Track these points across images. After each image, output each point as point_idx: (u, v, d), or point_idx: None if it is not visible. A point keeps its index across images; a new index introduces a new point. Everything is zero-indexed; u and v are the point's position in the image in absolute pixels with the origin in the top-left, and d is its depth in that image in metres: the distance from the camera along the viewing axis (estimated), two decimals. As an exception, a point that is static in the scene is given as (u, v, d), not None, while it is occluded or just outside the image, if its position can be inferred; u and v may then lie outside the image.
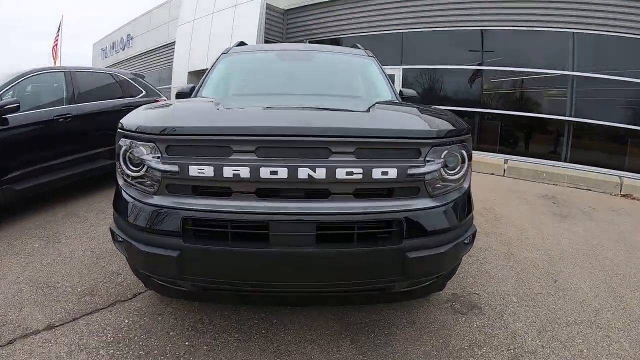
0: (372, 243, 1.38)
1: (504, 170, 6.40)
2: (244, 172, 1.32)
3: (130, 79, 4.87)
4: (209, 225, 1.37)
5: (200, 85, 2.56)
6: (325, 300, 1.72)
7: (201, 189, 1.39)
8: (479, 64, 7.22)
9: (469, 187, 1.60)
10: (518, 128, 7.17)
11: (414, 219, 1.39)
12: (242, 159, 1.33)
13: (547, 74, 6.64)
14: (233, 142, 1.34)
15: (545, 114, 6.78)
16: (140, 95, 4.74)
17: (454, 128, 1.52)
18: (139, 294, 2.26)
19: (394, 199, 1.42)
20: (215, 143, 1.36)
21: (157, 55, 12.91)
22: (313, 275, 1.39)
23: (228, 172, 1.33)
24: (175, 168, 1.36)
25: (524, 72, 6.83)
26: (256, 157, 1.33)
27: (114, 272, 2.49)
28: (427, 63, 7.65)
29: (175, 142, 1.38)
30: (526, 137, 7.18)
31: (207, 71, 2.80)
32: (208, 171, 1.33)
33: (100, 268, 2.57)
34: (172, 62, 10.83)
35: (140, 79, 5.00)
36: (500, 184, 5.75)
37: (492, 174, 6.39)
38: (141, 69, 13.16)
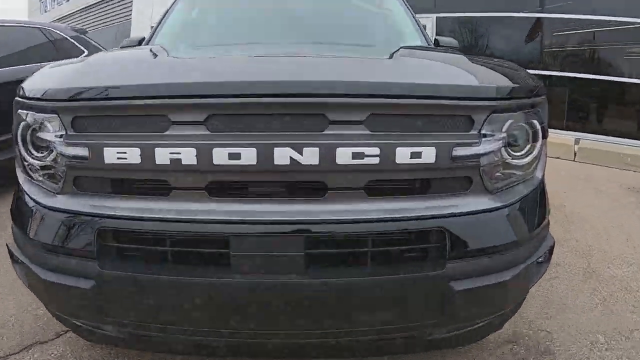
0: (394, 268, 1.25)
1: (575, 153, 6.22)
2: (188, 155, 1.19)
3: (70, 36, 4.78)
4: (137, 241, 1.26)
5: (153, 34, 2.53)
6: (322, 353, 1.57)
7: (124, 184, 1.29)
8: (539, 11, 6.98)
9: (543, 177, 1.49)
10: (592, 96, 6.95)
11: (463, 228, 1.27)
12: (185, 135, 1.20)
13: (629, 24, 6.33)
14: (170, 108, 1.20)
15: (628, 77, 6.53)
16: (82, 57, 4.54)
17: (522, 85, 1.39)
18: (65, 332, 2.09)
19: (430, 197, 1.29)
20: (143, 110, 1.23)
21: (113, 6, 12.82)
22: (300, 320, 1.28)
23: (163, 156, 1.19)
24: (84, 152, 1.24)
25: (599, 21, 6.57)
26: (207, 132, 1.20)
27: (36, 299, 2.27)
28: (468, 10, 7.43)
29: (84, 112, 1.26)
30: (602, 108, 6.96)
31: (163, 15, 2.71)
32: (132, 155, 1.20)
33: (16, 291, 2.40)
34: (131, 15, 10.68)
35: (82, 36, 4.88)
36: (570, 170, 5.53)
37: (559, 157, 6.17)
38: (93, 24, 13.07)
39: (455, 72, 1.44)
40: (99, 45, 5.20)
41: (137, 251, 1.28)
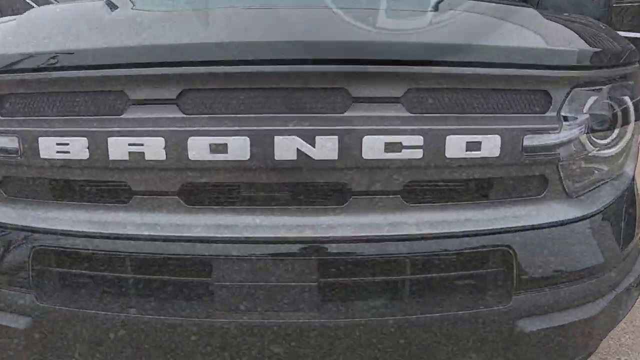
0: (441, 303, 1.23)
1: (652, 136, 6.09)
2: (154, 147, 1.16)
3: (17, -11, 4.74)
4: (86, 265, 1.24)
5: None
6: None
7: (68, 187, 1.27)
8: (605, -45, 6.84)
9: (634, 174, 1.48)
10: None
11: (536, 247, 1.25)
12: (149, 120, 1.17)
13: None
14: (128, 81, 1.18)
15: None
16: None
17: (611, 50, 1.37)
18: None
19: (491, 205, 1.27)
20: (91, 85, 1.20)
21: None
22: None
23: (119, 148, 1.17)
24: (12, 143, 1.21)
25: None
26: (180, 115, 1.17)
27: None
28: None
29: (11, 89, 1.24)
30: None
31: None
32: (77, 148, 1.17)
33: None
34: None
35: (34, -10, 4.81)
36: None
37: (630, 142, 6.12)
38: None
39: (525, 32, 1.40)
40: (57, 2, 5.18)
41: (87, 279, 1.25)
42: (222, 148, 1.14)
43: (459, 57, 1.20)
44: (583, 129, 1.26)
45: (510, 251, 1.20)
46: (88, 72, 1.18)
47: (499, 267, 1.23)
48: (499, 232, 1.22)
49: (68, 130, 1.18)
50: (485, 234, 1.22)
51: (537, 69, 1.22)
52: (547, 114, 1.22)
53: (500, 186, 1.27)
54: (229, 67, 1.15)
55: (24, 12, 4.11)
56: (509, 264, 1.21)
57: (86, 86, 1.20)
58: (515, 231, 1.23)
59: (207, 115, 1.17)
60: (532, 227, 1.24)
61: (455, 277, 1.25)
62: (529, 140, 1.20)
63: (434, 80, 1.19)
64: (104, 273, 1.23)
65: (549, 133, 1.21)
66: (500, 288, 1.23)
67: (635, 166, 1.46)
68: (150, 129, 1.16)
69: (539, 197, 1.27)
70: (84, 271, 1.24)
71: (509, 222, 1.23)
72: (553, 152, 1.22)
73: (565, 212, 1.27)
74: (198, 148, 1.15)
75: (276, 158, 1.14)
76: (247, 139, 1.13)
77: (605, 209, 1.32)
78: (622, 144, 1.36)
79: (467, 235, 1.22)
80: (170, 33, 1.37)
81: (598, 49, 1.31)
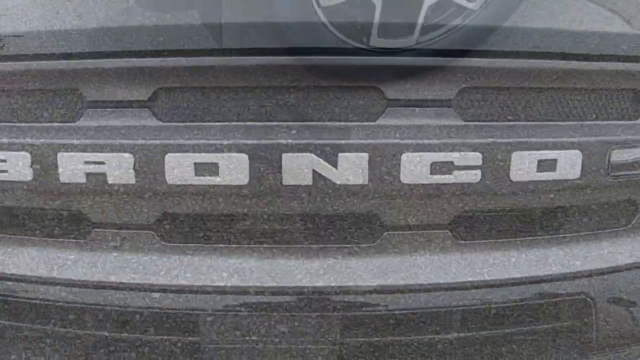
0: None
1: None
2: (119, 167, 1.06)
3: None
4: (33, 319, 1.16)
5: None
6: None
7: (7, 217, 1.20)
8: None
9: None
10: None
11: (621, 294, 1.19)
12: (113, 129, 1.08)
13: None
14: (84, 76, 1.07)
15: None
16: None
17: None
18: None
19: (563, 241, 1.18)
20: (35, 81, 1.09)
21: None
22: None
23: (72, 167, 1.07)
24: None
25: None
26: (155, 122, 1.07)
27: None
28: None
29: None
30: None
31: None
32: (17, 166, 1.09)
33: None
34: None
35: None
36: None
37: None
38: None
39: (608, 12, 1.28)
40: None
41: (33, 336, 1.15)
42: (212, 169, 1.04)
43: (526, 47, 1.08)
44: None
45: (589, 300, 1.13)
46: (29, 63, 1.06)
47: (573, 321, 1.16)
48: (574, 277, 1.14)
49: (5, 142, 1.07)
50: (556, 280, 1.14)
51: (628, 61, 1.12)
52: (637, 121, 1.15)
53: (577, 217, 1.19)
54: (219, 57, 1.05)
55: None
56: (586, 316, 1.14)
57: (28, 83, 1.08)
58: (595, 274, 1.15)
59: (190, 124, 1.05)
60: (617, 269, 1.16)
61: (516, 334, 1.16)
62: (617, 156, 1.11)
63: (495, 76, 1.08)
64: (56, 329, 1.13)
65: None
66: (575, 348, 1.17)
67: None
68: (114, 141, 1.05)
69: (626, 228, 1.19)
70: (28, 325, 1.15)
71: (588, 263, 1.15)
72: None
73: None
74: (179, 168, 1.04)
75: (284, 182, 1.04)
76: (246, 157, 1.03)
77: None
78: None
79: (534, 282, 1.13)
80: (139, 12, 1.21)
81: None
